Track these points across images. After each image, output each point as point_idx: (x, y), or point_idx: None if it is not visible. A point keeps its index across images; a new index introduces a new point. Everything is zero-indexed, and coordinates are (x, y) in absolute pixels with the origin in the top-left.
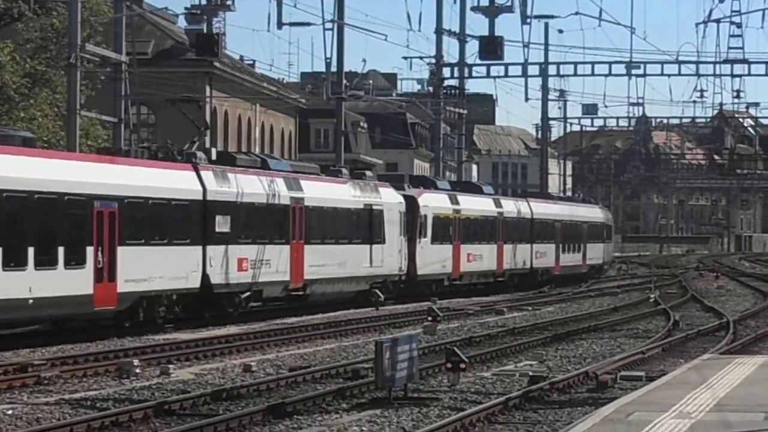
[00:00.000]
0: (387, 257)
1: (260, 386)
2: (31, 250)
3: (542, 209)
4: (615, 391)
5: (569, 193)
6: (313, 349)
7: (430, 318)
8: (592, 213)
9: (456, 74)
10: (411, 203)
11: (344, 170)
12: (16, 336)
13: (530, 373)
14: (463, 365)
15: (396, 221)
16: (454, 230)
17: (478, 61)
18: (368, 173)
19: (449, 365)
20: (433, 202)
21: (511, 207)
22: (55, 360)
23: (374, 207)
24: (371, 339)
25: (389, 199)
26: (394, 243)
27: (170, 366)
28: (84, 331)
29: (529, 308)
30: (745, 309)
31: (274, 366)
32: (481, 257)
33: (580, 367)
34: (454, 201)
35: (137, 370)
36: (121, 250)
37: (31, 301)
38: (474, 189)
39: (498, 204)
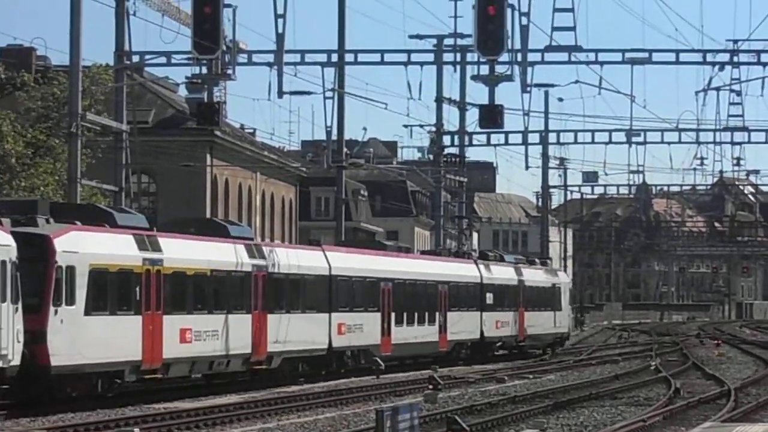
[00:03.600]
0: None
1: None
2: None
3: (350, 263)
4: None
5: (569, 261)
6: (314, 417)
7: (431, 386)
8: (464, 270)
9: (456, 142)
10: (36, 248)
11: None
12: (16, 405)
13: None
14: None
15: None
16: (148, 292)
17: (478, 129)
18: None
19: None
20: (96, 247)
21: (282, 259)
22: (54, 429)
23: None
24: (372, 407)
25: None
26: None
27: None
28: (85, 399)
29: (530, 376)
30: (747, 376)
31: None
32: (214, 335)
33: None
34: (148, 246)
35: None
36: None
37: None
38: (210, 230)
39: (255, 253)
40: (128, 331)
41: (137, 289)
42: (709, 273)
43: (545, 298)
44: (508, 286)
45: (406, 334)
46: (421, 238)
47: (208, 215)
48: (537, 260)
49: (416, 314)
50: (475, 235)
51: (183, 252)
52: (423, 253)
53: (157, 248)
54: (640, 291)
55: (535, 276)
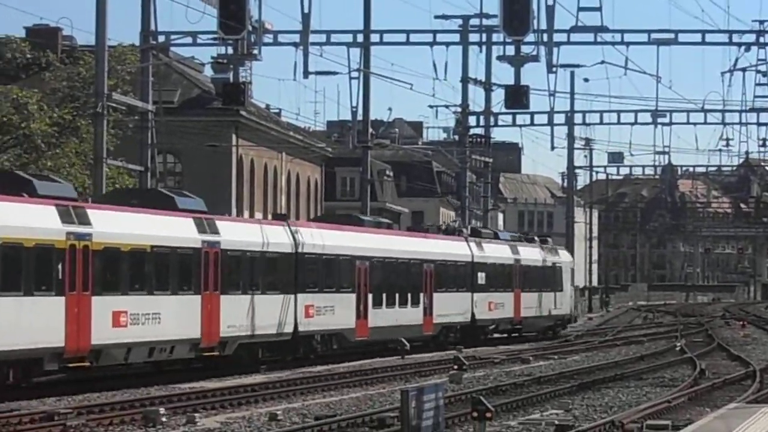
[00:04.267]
0: None
1: None
2: None
3: (320, 239)
4: None
5: (596, 242)
6: (338, 397)
7: (456, 367)
8: (452, 248)
9: (482, 123)
10: None
11: None
12: (43, 385)
13: (556, 422)
14: (489, 414)
15: None
16: (73, 271)
17: (504, 110)
18: None
19: (475, 414)
20: (8, 218)
21: (240, 234)
22: (81, 408)
23: None
24: (397, 387)
25: None
26: None
27: (196, 414)
28: (111, 379)
29: (555, 357)
30: None
31: (300, 415)
32: (155, 319)
33: (606, 416)
34: (74, 218)
35: (163, 419)
36: None
37: None
38: (155, 202)
39: (206, 228)
40: (48, 315)
41: (60, 266)
42: (734, 254)
43: (544, 278)
44: (502, 265)
45: (384, 316)
46: (446, 219)
47: (233, 195)
48: (536, 238)
49: (397, 295)
50: (500, 216)
51: (117, 226)
52: (409, 229)
53: (85, 221)
54: (666, 272)
55: (532, 255)
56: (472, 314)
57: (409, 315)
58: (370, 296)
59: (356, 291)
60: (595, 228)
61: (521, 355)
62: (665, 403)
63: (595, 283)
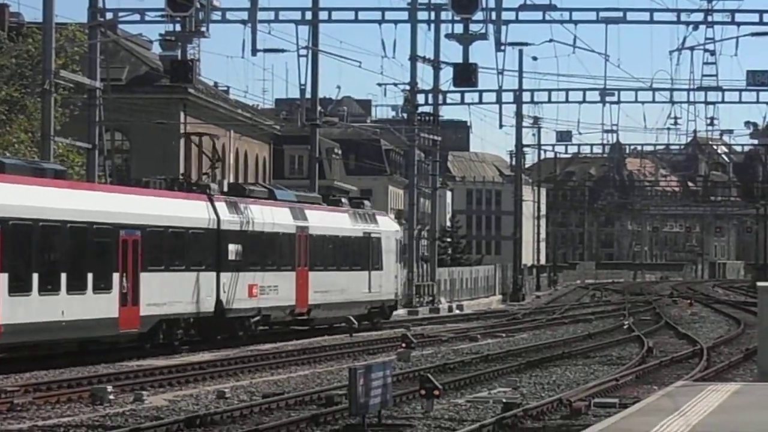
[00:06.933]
0: None
1: (234, 413)
2: None
3: None
4: (588, 418)
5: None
6: (287, 375)
7: (404, 345)
8: (181, 209)
9: (430, 101)
10: None
11: None
12: None
13: (504, 400)
14: (436, 392)
15: None
16: None
17: (452, 88)
18: None
19: (423, 392)
20: None
21: None
22: (28, 386)
23: None
24: (345, 366)
25: None
26: None
27: (144, 392)
28: (58, 357)
29: (503, 335)
30: (719, 336)
31: (247, 392)
32: None
33: (554, 394)
34: None
35: (111, 397)
36: None
37: None
38: None
39: None
40: None
41: None
42: (682, 233)
43: (351, 254)
44: (276, 233)
45: (37, 308)
46: (394, 197)
47: (181, 172)
48: (344, 200)
49: (65, 276)
50: (448, 194)
51: None
52: (121, 185)
53: None
54: (614, 250)
55: (332, 221)
56: (218, 302)
57: (91, 305)
58: (4, 277)
59: None
60: (543, 206)
61: (469, 333)
62: (613, 381)
63: (543, 261)
